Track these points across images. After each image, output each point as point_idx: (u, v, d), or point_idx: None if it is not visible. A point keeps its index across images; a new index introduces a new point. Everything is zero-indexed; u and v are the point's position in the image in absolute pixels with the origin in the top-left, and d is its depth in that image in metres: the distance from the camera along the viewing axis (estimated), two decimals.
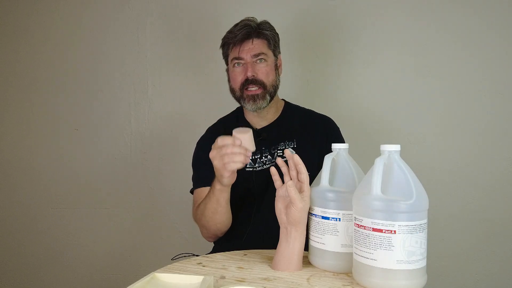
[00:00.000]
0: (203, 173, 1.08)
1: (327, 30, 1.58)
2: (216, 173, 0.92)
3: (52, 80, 1.81)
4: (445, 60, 1.48)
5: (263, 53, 1.12)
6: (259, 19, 1.17)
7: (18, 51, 1.83)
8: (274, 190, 0.82)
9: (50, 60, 1.81)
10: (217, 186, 0.95)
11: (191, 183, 1.20)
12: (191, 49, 1.69)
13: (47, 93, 1.81)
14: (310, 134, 1.16)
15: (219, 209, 0.99)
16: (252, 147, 0.88)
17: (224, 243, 1.16)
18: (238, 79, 1.13)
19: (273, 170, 0.81)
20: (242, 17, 1.17)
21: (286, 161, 0.81)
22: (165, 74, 1.73)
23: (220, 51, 1.22)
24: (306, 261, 0.83)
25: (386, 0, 1.52)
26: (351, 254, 0.73)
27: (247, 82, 1.11)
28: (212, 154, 0.88)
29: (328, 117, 1.22)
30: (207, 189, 1.05)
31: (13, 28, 1.83)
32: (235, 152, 0.85)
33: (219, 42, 1.21)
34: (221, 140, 0.86)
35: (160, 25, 1.72)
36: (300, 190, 0.77)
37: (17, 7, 1.83)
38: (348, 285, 0.71)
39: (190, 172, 1.22)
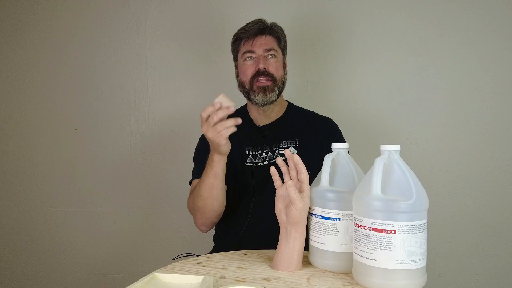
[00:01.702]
0: (203, 165, 1.09)
1: (327, 30, 1.58)
2: (213, 145, 0.95)
3: (52, 80, 1.81)
4: (445, 60, 1.48)
5: (274, 49, 1.16)
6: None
7: (18, 51, 1.83)
8: (272, 186, 0.82)
9: (50, 60, 1.80)
10: (215, 157, 0.97)
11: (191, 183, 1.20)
12: (191, 49, 1.69)
13: (47, 93, 1.81)
14: (312, 135, 1.17)
15: (216, 182, 1.01)
16: (231, 102, 0.91)
17: (223, 239, 1.17)
18: (249, 71, 1.15)
19: (273, 170, 0.81)
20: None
21: (286, 161, 0.81)
22: (165, 74, 1.73)
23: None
24: (306, 261, 0.83)
25: (386, 0, 1.52)
26: (351, 254, 0.73)
27: (258, 74, 1.13)
28: (204, 129, 0.91)
29: (331, 119, 1.24)
30: None
31: (13, 28, 1.83)
32: (220, 116, 0.89)
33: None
34: (204, 112, 0.90)
35: (160, 25, 1.72)
36: (300, 190, 0.77)
37: (17, 7, 1.83)
38: (348, 285, 0.71)
39: (190, 171, 1.22)
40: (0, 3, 1.84)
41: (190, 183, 1.20)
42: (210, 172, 1.00)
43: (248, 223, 1.10)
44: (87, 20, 1.77)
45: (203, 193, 1.03)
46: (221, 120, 0.90)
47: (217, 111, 0.89)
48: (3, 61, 1.85)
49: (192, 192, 1.11)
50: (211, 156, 0.99)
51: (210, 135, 0.91)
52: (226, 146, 0.94)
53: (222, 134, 0.90)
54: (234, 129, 0.91)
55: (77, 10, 1.78)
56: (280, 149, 1.15)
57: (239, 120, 0.92)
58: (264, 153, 1.16)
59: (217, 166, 0.99)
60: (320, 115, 1.25)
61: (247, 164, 1.15)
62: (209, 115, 0.90)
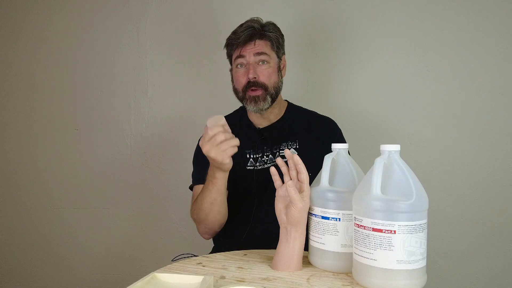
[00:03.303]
0: (204, 171, 1.09)
1: (327, 30, 1.58)
2: (215, 164, 0.93)
3: (52, 80, 1.81)
4: (445, 60, 1.48)
5: (265, 53, 1.13)
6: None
7: (18, 52, 1.83)
8: (274, 189, 0.82)
9: (50, 60, 1.81)
10: (217, 175, 0.96)
11: (191, 182, 1.20)
12: (191, 49, 1.69)
13: (47, 93, 1.81)
14: (312, 135, 1.16)
15: (218, 198, 1.00)
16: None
17: (224, 242, 1.16)
18: (241, 80, 1.14)
19: (273, 170, 0.81)
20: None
21: (286, 161, 0.81)
22: (165, 74, 1.73)
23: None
24: (306, 261, 0.83)
25: (387, 0, 1.52)
26: (351, 254, 0.73)
27: (249, 84, 1.12)
28: (207, 148, 0.90)
29: (331, 119, 1.23)
30: None
31: (13, 29, 1.83)
32: (228, 138, 0.89)
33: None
34: (211, 131, 0.89)
35: (160, 25, 1.72)
36: (300, 190, 0.77)
37: (16, 7, 1.83)
38: (348, 285, 0.71)
39: (190, 172, 1.22)
40: (0, 3, 1.84)
41: (191, 188, 1.19)
42: (212, 189, 0.99)
43: (250, 227, 1.09)
44: (87, 20, 1.77)
45: (205, 207, 1.02)
46: (226, 139, 0.89)
47: (225, 132, 0.89)
48: (3, 61, 1.85)
49: (194, 202, 1.10)
50: (212, 173, 0.97)
51: (213, 154, 0.89)
52: (229, 164, 0.93)
53: (227, 152, 0.89)
54: (236, 150, 0.91)
55: (77, 10, 1.78)
56: (280, 151, 1.14)
57: (238, 141, 0.92)
58: (265, 156, 1.14)
59: (220, 182, 0.98)
60: (321, 114, 1.24)
61: (248, 167, 1.14)
62: (215, 135, 0.89)
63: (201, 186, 1.12)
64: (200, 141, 0.93)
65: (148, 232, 1.75)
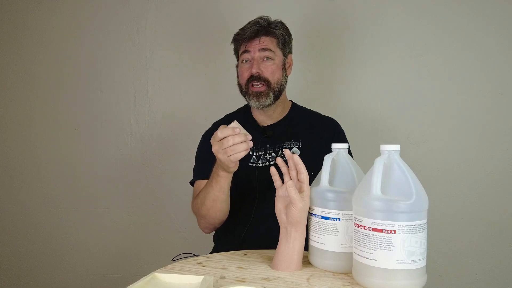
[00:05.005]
0: (206, 166, 1.09)
1: (327, 30, 1.58)
2: (221, 164, 0.93)
3: (52, 80, 1.81)
4: (445, 60, 1.49)
5: (270, 50, 1.14)
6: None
7: (19, 51, 1.83)
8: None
9: (50, 60, 1.81)
10: (221, 173, 0.96)
11: (191, 178, 1.20)
12: (191, 49, 1.69)
13: (47, 93, 1.81)
14: (315, 135, 1.17)
15: (221, 196, 1.00)
16: (247, 133, 0.89)
17: (224, 239, 1.16)
18: (245, 75, 1.15)
19: (273, 170, 0.81)
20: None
21: (286, 161, 0.81)
22: (165, 74, 1.73)
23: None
24: (306, 261, 0.83)
25: (387, 1, 1.52)
26: (351, 254, 0.73)
27: (252, 78, 1.12)
28: (215, 149, 0.89)
29: (334, 120, 1.24)
30: None
31: (13, 29, 1.83)
32: (236, 142, 0.86)
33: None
34: (221, 133, 0.86)
35: (160, 25, 1.72)
36: (300, 190, 0.77)
37: (17, 7, 1.83)
38: (348, 285, 0.71)
39: (190, 172, 1.22)
40: (0, 3, 1.84)
41: (192, 183, 1.19)
42: (215, 186, 0.99)
43: (250, 224, 1.09)
44: (87, 20, 1.77)
45: (207, 203, 1.03)
46: (234, 144, 0.86)
47: (234, 135, 0.86)
48: (3, 62, 1.85)
49: (196, 197, 1.11)
50: (217, 171, 0.97)
51: (220, 156, 0.89)
52: (234, 168, 0.93)
53: (231, 158, 0.87)
54: (245, 154, 0.88)
55: (77, 10, 1.78)
56: (283, 150, 1.14)
57: (250, 144, 0.88)
58: (267, 154, 1.15)
59: (223, 181, 0.97)
60: (324, 115, 1.25)
61: (251, 164, 1.14)
62: (225, 137, 0.87)
63: (202, 181, 1.12)
64: (211, 139, 0.91)
65: (148, 232, 1.75)
